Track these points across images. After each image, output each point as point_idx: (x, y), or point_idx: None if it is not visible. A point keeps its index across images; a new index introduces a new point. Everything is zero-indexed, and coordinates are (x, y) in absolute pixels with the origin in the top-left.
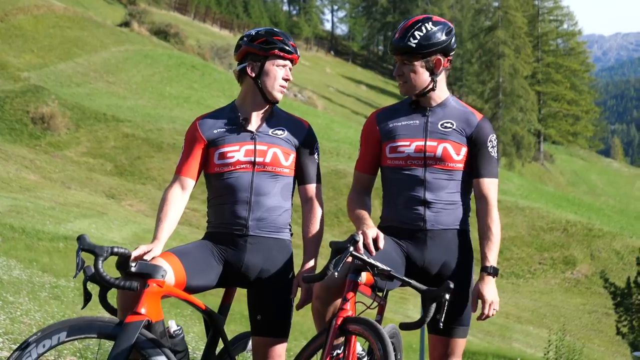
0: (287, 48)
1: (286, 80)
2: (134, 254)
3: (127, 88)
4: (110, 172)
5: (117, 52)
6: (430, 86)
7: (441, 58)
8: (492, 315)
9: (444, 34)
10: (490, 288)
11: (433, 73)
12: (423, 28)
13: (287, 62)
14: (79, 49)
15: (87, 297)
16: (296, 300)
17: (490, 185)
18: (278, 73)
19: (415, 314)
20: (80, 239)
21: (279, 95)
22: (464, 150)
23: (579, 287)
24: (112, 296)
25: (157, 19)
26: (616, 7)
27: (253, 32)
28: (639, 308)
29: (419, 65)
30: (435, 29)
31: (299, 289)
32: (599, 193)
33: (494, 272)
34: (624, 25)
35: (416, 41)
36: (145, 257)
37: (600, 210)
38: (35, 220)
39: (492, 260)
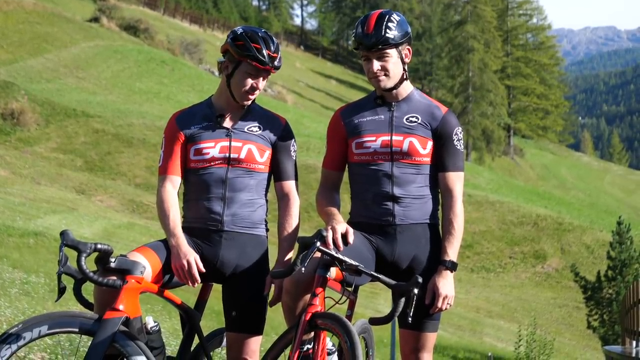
0: (260, 58)
1: (254, 88)
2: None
3: (96, 83)
4: (80, 168)
5: (86, 48)
6: (405, 76)
7: (409, 48)
8: (445, 309)
9: (407, 25)
10: (446, 282)
11: (404, 63)
12: (393, 19)
13: (261, 72)
14: (48, 44)
15: (61, 290)
16: (270, 297)
17: (455, 179)
18: (247, 81)
19: (386, 309)
20: (63, 234)
21: (244, 102)
22: (430, 144)
23: (550, 281)
24: (85, 290)
25: (127, 14)
26: (585, 1)
27: (240, 30)
28: (609, 302)
29: (396, 56)
30: (401, 19)
31: (273, 285)
32: (569, 187)
33: (452, 266)
34: (593, 19)
35: (393, 32)
36: (192, 266)
37: (570, 204)
38: (5, 216)
39: (452, 254)
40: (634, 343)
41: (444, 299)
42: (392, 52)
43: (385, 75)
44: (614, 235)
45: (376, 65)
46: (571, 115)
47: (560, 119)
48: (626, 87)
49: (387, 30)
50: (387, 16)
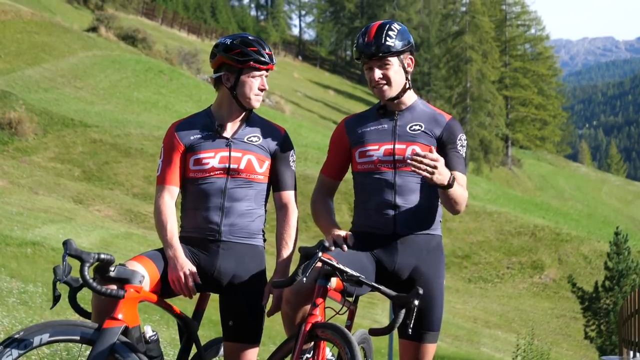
0: (262, 59)
1: (262, 89)
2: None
3: (94, 93)
4: (78, 178)
5: (84, 58)
6: (407, 86)
7: (412, 57)
8: (425, 171)
9: (409, 34)
10: (444, 170)
11: (406, 72)
12: (394, 28)
13: (263, 72)
14: (46, 54)
15: (56, 297)
16: (268, 307)
17: (461, 178)
18: (254, 84)
19: (383, 319)
20: (66, 244)
21: (255, 105)
22: (433, 152)
23: (547, 291)
24: (83, 298)
25: (125, 24)
26: (583, 12)
27: (228, 40)
28: (606, 312)
29: (397, 64)
30: (402, 29)
31: (271, 295)
32: (566, 197)
33: (452, 183)
34: (591, 30)
35: (393, 40)
36: (188, 278)
37: (567, 214)
38: (3, 225)
39: (456, 182)
40: (632, 353)
41: (433, 160)
42: (393, 60)
43: (387, 84)
44: (611, 246)
45: (377, 73)
46: (569, 125)
47: (558, 129)
48: (624, 97)
49: (387, 38)
50: (388, 25)
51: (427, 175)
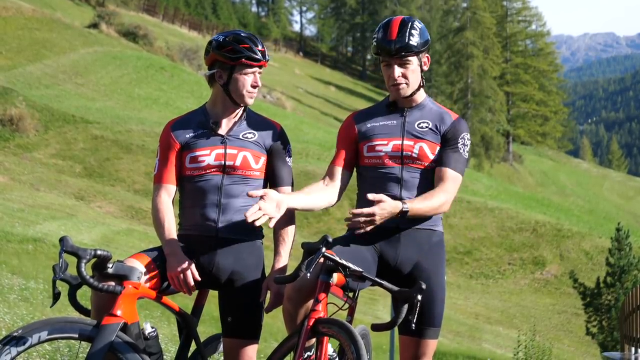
0: (254, 56)
1: (255, 86)
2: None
3: (95, 89)
4: (79, 174)
5: (85, 54)
6: (422, 84)
7: (428, 56)
8: (362, 223)
9: (427, 33)
10: (388, 208)
11: (422, 70)
12: (416, 27)
13: (256, 69)
14: (47, 50)
15: (56, 295)
16: (266, 303)
17: (451, 177)
18: (246, 81)
19: (384, 315)
20: (62, 241)
21: (248, 101)
22: (438, 149)
23: (549, 287)
24: (84, 295)
25: (126, 20)
26: (584, 7)
27: (221, 37)
28: (608, 308)
29: (416, 63)
30: (422, 27)
31: (269, 291)
32: (568, 193)
33: (403, 214)
34: (592, 25)
35: (416, 39)
36: (187, 274)
37: (569, 210)
38: (4, 222)
39: (414, 206)
40: (633, 349)
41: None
42: (413, 60)
43: (406, 83)
44: (612, 242)
45: (397, 72)
46: (570, 121)
47: (560, 125)
48: (625, 93)
49: (411, 37)
50: (410, 23)
51: (370, 226)
